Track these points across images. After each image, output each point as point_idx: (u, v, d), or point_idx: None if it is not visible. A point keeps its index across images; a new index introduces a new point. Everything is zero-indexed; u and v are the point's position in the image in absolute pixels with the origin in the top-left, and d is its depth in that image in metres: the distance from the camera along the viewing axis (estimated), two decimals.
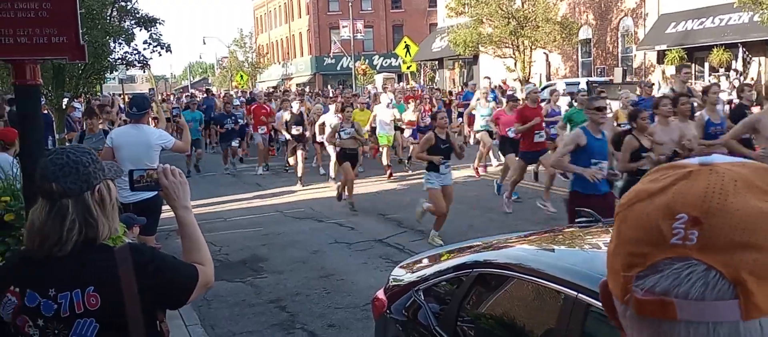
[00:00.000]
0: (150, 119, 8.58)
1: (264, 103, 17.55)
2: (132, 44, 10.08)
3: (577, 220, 3.44)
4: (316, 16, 52.49)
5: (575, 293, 2.41)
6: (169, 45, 9.80)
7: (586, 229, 3.31)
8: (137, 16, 9.91)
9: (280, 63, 60.55)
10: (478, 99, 14.82)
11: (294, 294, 7.16)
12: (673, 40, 23.16)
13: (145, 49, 10.02)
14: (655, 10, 24.81)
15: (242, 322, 6.55)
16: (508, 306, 2.94)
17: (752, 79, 20.21)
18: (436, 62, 38.72)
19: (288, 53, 59.52)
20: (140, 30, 9.87)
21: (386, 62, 48.98)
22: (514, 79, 25.46)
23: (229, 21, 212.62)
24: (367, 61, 46.04)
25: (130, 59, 10.20)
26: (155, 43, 9.69)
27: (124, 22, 9.85)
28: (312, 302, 6.85)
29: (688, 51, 23.01)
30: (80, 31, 3.15)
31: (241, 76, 48.50)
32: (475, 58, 32.19)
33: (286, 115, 14.20)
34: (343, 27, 42.51)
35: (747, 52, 21.37)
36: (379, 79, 36.65)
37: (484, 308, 3.07)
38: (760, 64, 21.53)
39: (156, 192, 6.60)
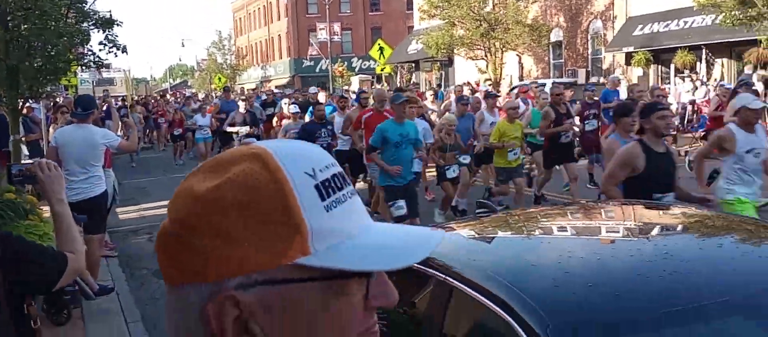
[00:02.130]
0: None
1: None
2: (87, 46, 10.14)
3: (477, 211, 3.61)
4: (294, 18, 52.53)
5: (444, 277, 2.57)
6: (124, 46, 9.85)
7: (481, 219, 3.49)
8: (95, 18, 9.98)
9: (259, 65, 60.48)
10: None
11: None
12: (639, 42, 23.52)
13: (100, 50, 10.07)
14: (623, 12, 25.18)
15: None
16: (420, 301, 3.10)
17: (715, 80, 20.59)
18: (413, 64, 38.93)
19: (267, 55, 59.48)
20: (97, 32, 9.93)
21: (365, 64, 49.09)
22: (486, 80, 25.70)
23: (208, 23, 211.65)
24: (345, 63, 46.16)
25: (85, 61, 10.25)
26: (111, 45, 9.73)
27: (82, 24, 9.89)
28: None
29: (654, 53, 23.39)
30: None
31: (220, 78, 48.34)
32: (450, 60, 32.45)
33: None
34: (321, 29, 42.61)
35: (710, 54, 21.77)
36: (355, 81, 36.78)
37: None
38: (722, 66, 21.94)
39: (101, 191, 6.72)
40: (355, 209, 0.76)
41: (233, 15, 68.81)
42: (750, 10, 16.34)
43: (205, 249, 0.70)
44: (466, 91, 22.25)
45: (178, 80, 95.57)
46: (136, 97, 42.73)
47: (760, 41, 16.83)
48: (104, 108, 14.08)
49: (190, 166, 17.64)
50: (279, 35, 56.28)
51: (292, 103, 13.90)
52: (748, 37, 17.55)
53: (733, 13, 16.86)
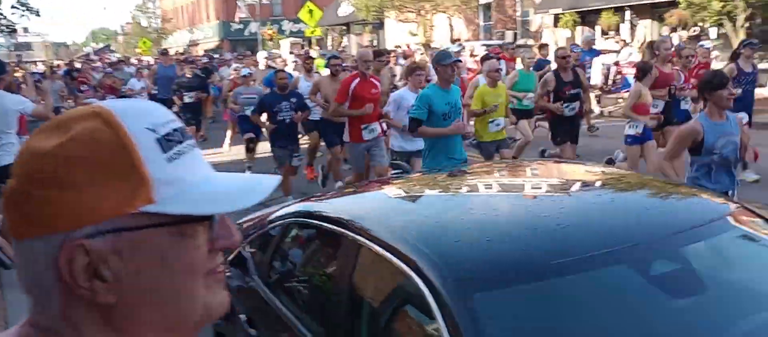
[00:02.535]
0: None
1: None
2: None
3: (391, 172, 3.66)
4: None
5: (353, 235, 2.61)
6: (37, 10, 9.38)
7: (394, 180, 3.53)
8: None
9: (186, 29, 58.66)
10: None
11: None
12: (566, 3, 23.98)
13: (12, 14, 9.54)
14: None
15: None
16: (307, 252, 3.13)
17: (640, 42, 21.26)
18: (344, 27, 38.57)
19: (194, 18, 57.72)
20: None
21: (296, 27, 48.30)
22: (417, 44, 25.74)
23: None
24: (275, 26, 45.33)
25: None
26: (24, 8, 9.23)
27: None
28: None
29: (581, 14, 23.92)
30: None
31: (145, 42, 46.70)
32: (381, 23, 32.30)
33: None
34: None
35: (634, 15, 22.44)
36: (285, 44, 36.19)
37: (292, 256, 3.24)
38: (645, 27, 22.65)
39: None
40: (196, 159, 0.83)
41: None
42: None
43: (53, 201, 0.74)
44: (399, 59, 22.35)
45: (100, 45, 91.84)
46: (57, 63, 40.84)
47: (679, 2, 17.42)
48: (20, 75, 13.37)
49: None
50: None
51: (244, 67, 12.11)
52: None
53: None
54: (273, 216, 3.56)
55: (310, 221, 3.04)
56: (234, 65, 14.46)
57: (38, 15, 8.50)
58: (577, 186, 3.04)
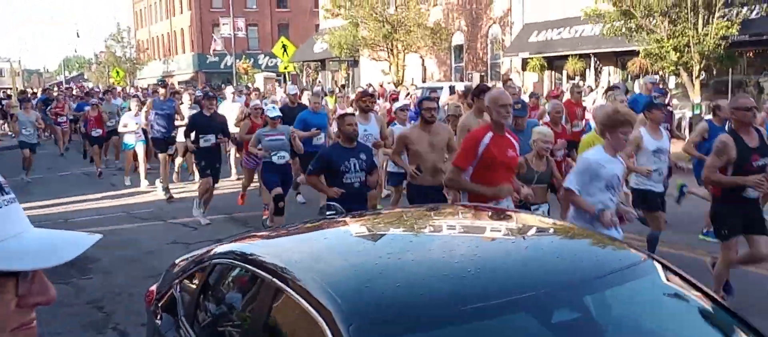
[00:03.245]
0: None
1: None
2: None
3: (327, 212, 3.73)
4: (198, 12, 51.27)
5: (269, 276, 2.66)
6: None
7: (321, 222, 3.60)
8: None
9: (160, 59, 58.56)
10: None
11: (116, 294, 7.11)
12: (535, 48, 24.53)
13: None
14: (520, 19, 26.16)
15: (54, 324, 6.40)
16: (230, 293, 3.16)
17: (602, 87, 21.75)
18: (319, 63, 38.87)
19: (169, 49, 57.70)
20: None
21: (271, 62, 48.57)
22: (389, 83, 26.05)
23: (107, 14, 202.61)
24: (251, 60, 45.50)
25: None
26: None
27: None
28: (132, 301, 6.81)
29: (549, 59, 24.47)
30: None
31: (118, 72, 46.43)
32: (356, 61, 32.64)
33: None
34: (224, 24, 41.79)
35: (598, 62, 23.02)
36: (259, 78, 36.32)
37: (214, 297, 3.26)
38: (610, 74, 23.22)
39: None
40: (12, 215, 0.85)
41: (133, 6, 66.31)
42: (629, 21, 17.40)
43: None
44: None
45: (74, 72, 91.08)
46: (31, 90, 40.32)
47: (639, 52, 17.95)
48: None
49: (107, 181, 16.92)
50: (182, 29, 54.75)
51: (272, 104, 11.11)
52: (630, 47, 18.68)
53: (614, 23, 17.90)
54: (202, 257, 3.59)
55: (233, 262, 3.08)
56: (254, 102, 12.07)
57: None
58: (498, 233, 3.13)
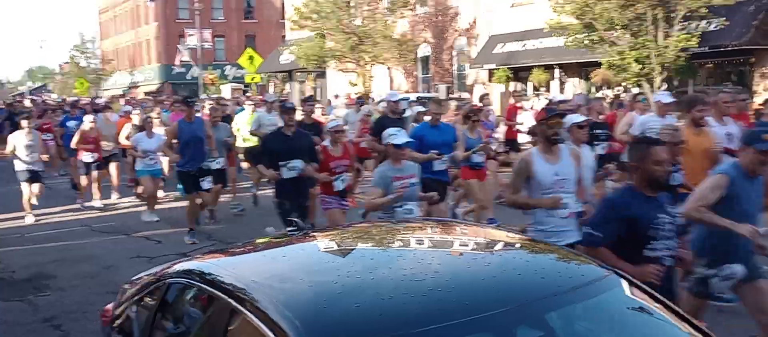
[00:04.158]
0: None
1: None
2: None
3: (287, 228, 3.63)
4: (164, 23, 50.69)
5: (225, 297, 2.58)
6: None
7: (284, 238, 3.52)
8: None
9: (126, 70, 57.70)
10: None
11: (72, 311, 6.90)
12: (500, 59, 24.75)
13: None
14: (485, 31, 26.38)
15: None
16: (186, 314, 3.06)
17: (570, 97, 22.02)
18: (287, 74, 38.68)
19: (135, 60, 56.89)
20: None
21: (238, 73, 48.17)
22: (356, 94, 26.02)
23: (71, 24, 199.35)
24: (218, 71, 45.07)
25: None
26: None
27: None
28: (88, 320, 6.61)
29: (514, 70, 24.70)
30: None
31: (82, 82, 45.60)
32: (323, 72, 32.56)
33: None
34: (190, 36, 41.35)
35: (563, 73, 23.32)
36: (226, 89, 36.01)
37: (170, 317, 3.16)
38: (574, 85, 23.53)
39: None
40: None
41: (99, 16, 65.30)
42: (592, 33, 17.66)
43: None
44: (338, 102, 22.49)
45: (37, 83, 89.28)
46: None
47: (602, 63, 18.22)
48: None
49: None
50: (148, 40, 54.04)
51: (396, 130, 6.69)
52: (593, 58, 18.95)
53: (577, 36, 18.15)
54: (158, 274, 3.48)
55: (190, 281, 2.99)
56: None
57: None
58: (463, 248, 3.09)
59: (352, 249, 3.15)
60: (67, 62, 61.31)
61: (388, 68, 28.77)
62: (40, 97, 46.45)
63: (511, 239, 3.24)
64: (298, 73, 37.14)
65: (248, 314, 2.42)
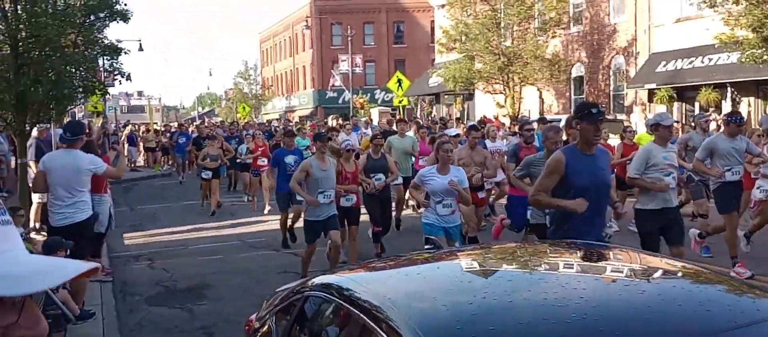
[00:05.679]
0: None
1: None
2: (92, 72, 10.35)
3: (425, 246, 3.51)
4: (319, 50, 53.15)
5: (362, 316, 2.49)
6: (129, 74, 10.01)
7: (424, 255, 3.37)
8: (102, 45, 10.16)
9: (283, 95, 61.14)
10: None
11: (226, 321, 7.20)
12: (662, 78, 23.21)
13: (106, 77, 10.26)
14: (646, 49, 24.93)
15: None
16: (321, 328, 3.00)
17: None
18: (434, 97, 38.97)
19: (292, 86, 60.15)
20: (105, 59, 10.10)
21: (388, 96, 49.29)
22: (504, 115, 25.57)
23: (237, 53, 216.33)
24: (367, 95, 46.41)
25: (88, 86, 10.40)
26: (116, 72, 9.91)
27: (89, 51, 10.08)
28: (239, 330, 6.86)
29: (678, 90, 23.05)
30: None
31: (244, 107, 48.91)
32: (471, 94, 32.40)
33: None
34: (343, 61, 42.98)
35: (735, 93, 21.35)
36: (374, 112, 36.90)
37: (307, 331, 3.12)
38: (749, 105, 21.49)
39: (86, 216, 6.72)
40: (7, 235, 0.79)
41: (260, 45, 69.90)
42: None
43: None
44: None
45: (206, 109, 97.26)
46: (173, 125, 43.02)
47: None
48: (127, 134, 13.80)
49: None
50: (304, 66, 56.94)
51: None
52: None
53: (754, 51, 16.53)
54: (297, 288, 3.48)
55: (326, 296, 2.93)
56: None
57: (129, 79, 9.01)
58: (617, 274, 2.78)
59: (493, 270, 2.94)
60: (231, 88, 66.18)
61: (538, 89, 28.02)
62: (210, 120, 50.42)
63: (671, 266, 2.87)
64: (446, 96, 37.26)
65: (380, 332, 2.29)
